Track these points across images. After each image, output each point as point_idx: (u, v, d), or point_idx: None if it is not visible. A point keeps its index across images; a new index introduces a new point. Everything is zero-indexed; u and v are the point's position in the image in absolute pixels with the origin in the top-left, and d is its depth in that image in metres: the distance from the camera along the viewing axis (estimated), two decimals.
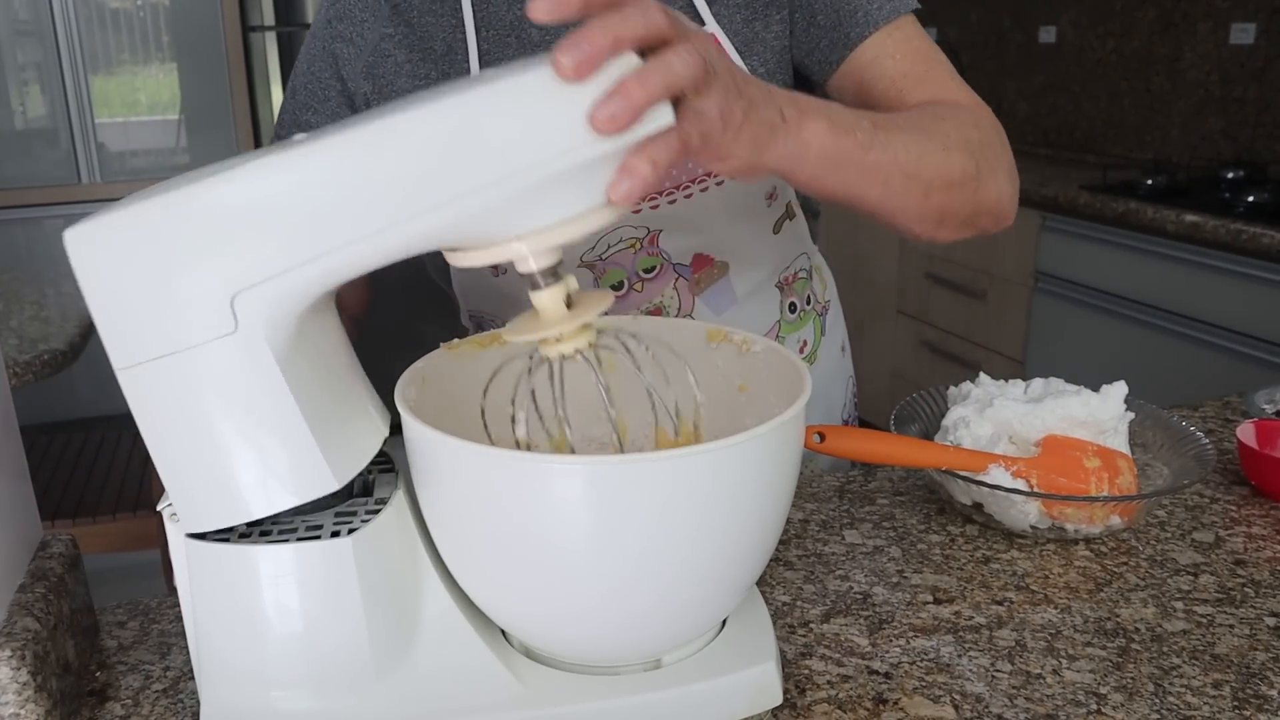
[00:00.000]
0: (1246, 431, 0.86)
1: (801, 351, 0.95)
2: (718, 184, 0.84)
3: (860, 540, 0.78)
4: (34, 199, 3.21)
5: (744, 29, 0.82)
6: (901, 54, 0.80)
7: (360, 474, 0.57)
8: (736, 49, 0.82)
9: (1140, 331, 2.23)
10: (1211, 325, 2.07)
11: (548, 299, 0.49)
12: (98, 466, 1.95)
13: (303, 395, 0.49)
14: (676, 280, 0.86)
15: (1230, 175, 2.28)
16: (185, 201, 0.45)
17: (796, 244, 0.94)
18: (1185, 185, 2.28)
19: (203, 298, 0.46)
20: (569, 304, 0.50)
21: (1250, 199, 2.07)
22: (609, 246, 0.82)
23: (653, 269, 0.84)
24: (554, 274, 0.49)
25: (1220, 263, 2.02)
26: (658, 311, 0.85)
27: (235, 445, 0.49)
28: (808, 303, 0.96)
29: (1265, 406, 0.95)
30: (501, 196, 0.44)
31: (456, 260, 0.48)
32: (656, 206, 0.82)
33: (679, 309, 0.86)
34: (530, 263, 0.48)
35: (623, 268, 0.83)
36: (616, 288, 0.84)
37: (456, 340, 0.61)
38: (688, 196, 0.83)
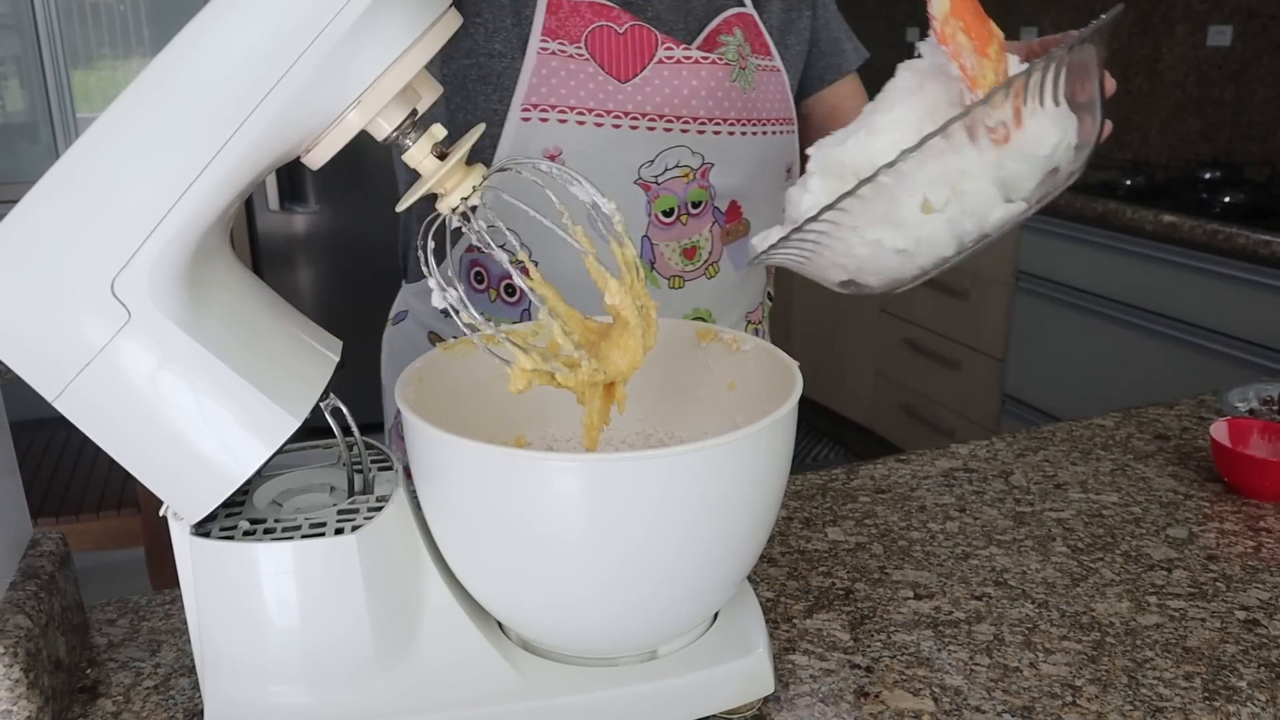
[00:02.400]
0: (1220, 429, 0.88)
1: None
2: (763, 135, 0.88)
3: (843, 537, 0.79)
4: (15, 194, 3.15)
5: (782, 16, 0.91)
6: (860, 98, 0.99)
7: (362, 472, 0.58)
8: (774, 30, 0.90)
9: (1118, 330, 2.26)
10: (1187, 324, 2.10)
11: (417, 154, 0.50)
12: (81, 464, 1.94)
13: (226, 351, 0.49)
14: (713, 224, 0.89)
15: (1207, 176, 2.31)
16: (21, 222, 0.46)
17: None
18: (1163, 186, 2.31)
19: (87, 298, 0.46)
20: (444, 155, 0.50)
21: (1227, 199, 2.11)
22: (665, 168, 0.84)
23: (700, 204, 0.87)
24: (413, 128, 0.49)
25: (1197, 262, 2.05)
26: (693, 251, 0.88)
27: (186, 423, 0.49)
28: (770, 297, 1.02)
29: (1238, 405, 0.97)
30: (315, 63, 0.44)
31: (312, 158, 0.49)
32: (719, 133, 0.85)
33: (710, 253, 0.89)
34: (381, 125, 0.48)
35: (675, 195, 0.85)
36: (667, 214, 0.86)
37: (453, 339, 0.62)
38: (744, 135, 0.87)
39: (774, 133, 0.89)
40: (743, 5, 0.88)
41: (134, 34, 3.29)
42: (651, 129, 0.81)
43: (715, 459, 0.50)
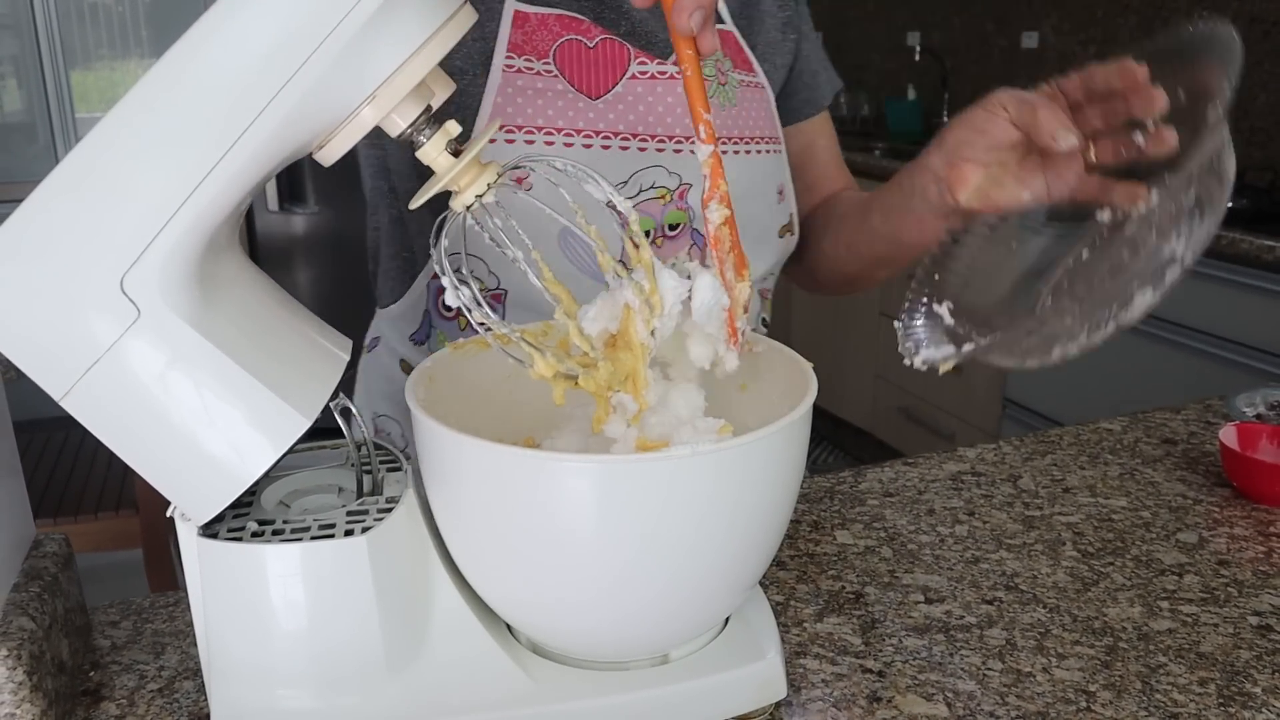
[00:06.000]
0: (1229, 434, 0.87)
1: None
2: (747, 153, 0.83)
3: (851, 540, 0.79)
4: (14, 194, 3.15)
5: (774, 35, 0.87)
6: (831, 136, 0.97)
7: (370, 472, 0.57)
8: (759, 48, 0.86)
9: (1122, 335, 2.26)
10: (1189, 329, 2.10)
11: (431, 151, 0.49)
12: (79, 465, 1.93)
13: (236, 349, 0.49)
14: (691, 246, 0.85)
15: None
16: (30, 218, 0.45)
17: (782, 259, 0.93)
18: None
19: (96, 295, 0.46)
20: (458, 153, 0.50)
21: (1229, 205, 2.10)
22: (640, 189, 0.79)
23: (677, 226, 0.82)
24: (428, 124, 0.49)
25: (1199, 267, 2.05)
26: None
27: (195, 423, 0.49)
28: (765, 323, 0.97)
29: (1246, 410, 0.97)
30: (329, 58, 0.43)
31: (324, 154, 0.48)
32: (695, 152, 0.80)
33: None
34: (396, 121, 0.48)
35: (652, 217, 0.81)
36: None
37: (462, 340, 0.62)
38: (723, 154, 0.78)
39: (760, 151, 0.84)
40: (721, 22, 0.84)
41: (132, 34, 3.28)
42: (625, 148, 0.77)
43: (729, 461, 0.50)
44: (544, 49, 0.75)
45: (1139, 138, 0.61)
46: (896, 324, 0.65)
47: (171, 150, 0.45)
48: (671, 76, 0.78)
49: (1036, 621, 0.68)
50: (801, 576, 0.73)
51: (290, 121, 0.45)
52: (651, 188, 0.79)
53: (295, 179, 3.02)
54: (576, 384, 0.53)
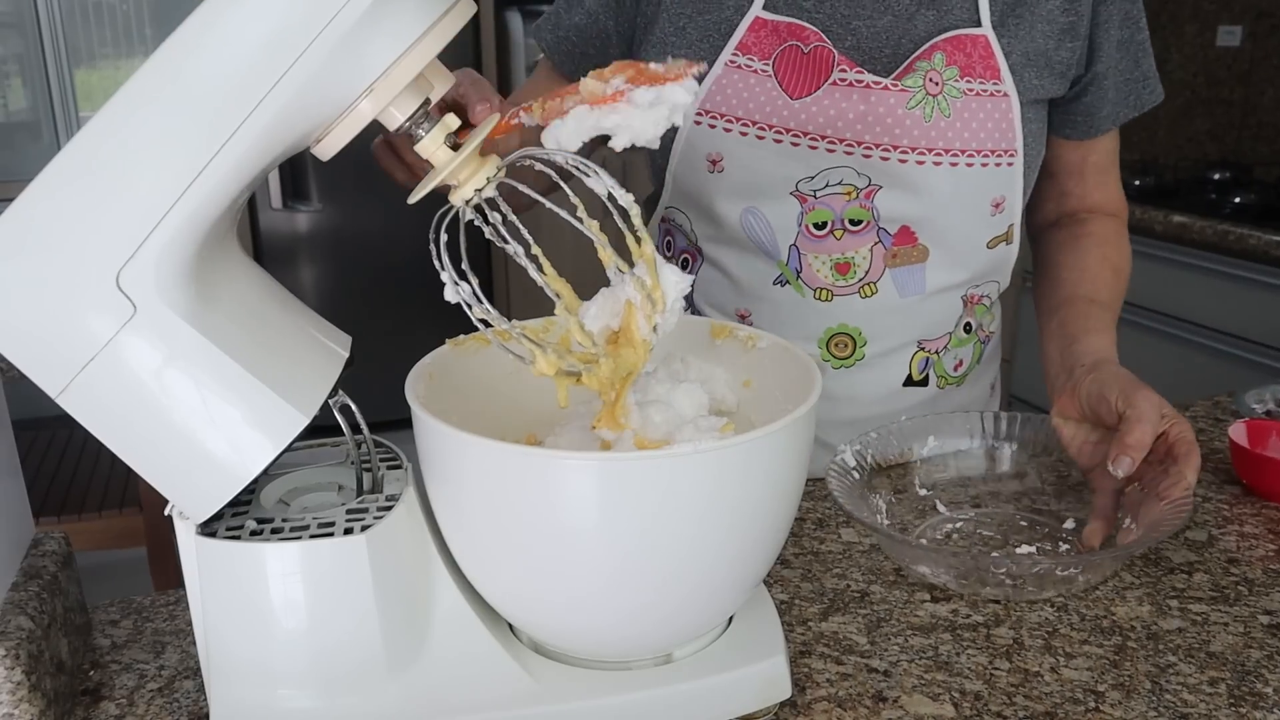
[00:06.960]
0: (1238, 431, 0.86)
1: (956, 370, 0.94)
2: (951, 165, 0.84)
3: (856, 539, 0.78)
4: (18, 193, 3.15)
5: (1040, 43, 0.85)
6: (1104, 152, 0.96)
7: (370, 470, 0.57)
8: (1017, 55, 0.84)
9: (1129, 331, 2.24)
10: (1199, 325, 2.08)
11: (430, 144, 0.49)
12: (83, 463, 1.93)
13: (234, 346, 0.48)
14: (875, 244, 0.86)
15: (1216, 176, 2.30)
16: (24, 214, 0.45)
17: (998, 269, 0.93)
18: (1172, 186, 2.29)
19: (91, 292, 0.45)
20: (457, 147, 0.49)
21: (1236, 200, 2.09)
22: (826, 184, 0.84)
23: (859, 223, 0.85)
24: (426, 117, 0.48)
25: (1208, 263, 2.04)
26: (846, 267, 0.86)
27: (192, 420, 0.48)
28: (977, 329, 0.95)
29: (1255, 406, 0.96)
30: (326, 50, 0.43)
31: (322, 148, 0.48)
32: (887, 158, 0.83)
33: (867, 271, 0.86)
34: (394, 114, 0.47)
35: (831, 210, 0.85)
36: (819, 227, 0.85)
37: (462, 336, 0.61)
38: (920, 164, 0.83)
39: (975, 164, 0.84)
40: (977, 25, 0.83)
41: (136, 33, 3.28)
42: (813, 147, 0.83)
43: (731, 460, 0.49)
44: (768, 51, 0.83)
45: (1127, 519, 0.72)
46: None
47: (168, 143, 0.44)
48: (867, 85, 0.82)
49: (1044, 620, 0.67)
50: (806, 575, 0.73)
51: (286, 115, 0.44)
52: (839, 184, 0.84)
53: (298, 176, 3.02)
54: (579, 381, 0.53)
